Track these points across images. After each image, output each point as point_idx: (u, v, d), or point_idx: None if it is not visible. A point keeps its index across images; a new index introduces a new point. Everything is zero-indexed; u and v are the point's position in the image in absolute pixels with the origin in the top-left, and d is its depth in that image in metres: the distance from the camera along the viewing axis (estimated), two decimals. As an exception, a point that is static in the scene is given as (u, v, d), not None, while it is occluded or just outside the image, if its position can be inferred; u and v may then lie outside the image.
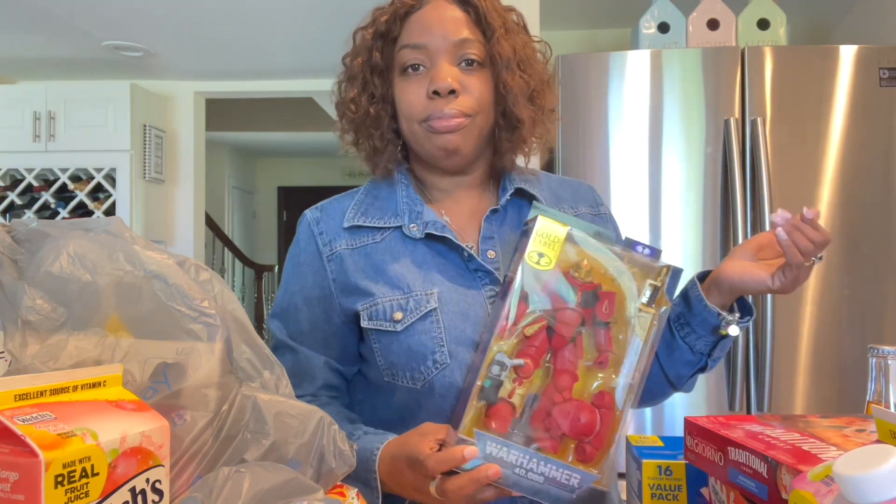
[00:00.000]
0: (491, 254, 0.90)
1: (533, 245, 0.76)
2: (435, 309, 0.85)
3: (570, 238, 0.77)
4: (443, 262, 0.89)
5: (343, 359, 0.94)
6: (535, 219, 0.78)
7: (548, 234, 0.77)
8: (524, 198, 0.94)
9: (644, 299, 0.76)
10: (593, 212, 0.99)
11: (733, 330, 0.87)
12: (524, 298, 0.75)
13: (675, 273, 0.78)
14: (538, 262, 0.76)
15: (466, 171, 0.94)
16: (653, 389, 0.97)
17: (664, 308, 0.76)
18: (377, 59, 0.90)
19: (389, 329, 0.86)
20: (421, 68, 0.88)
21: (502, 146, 0.91)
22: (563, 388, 0.74)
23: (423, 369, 0.84)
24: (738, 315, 0.88)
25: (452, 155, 0.89)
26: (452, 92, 0.85)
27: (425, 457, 0.72)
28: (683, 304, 0.90)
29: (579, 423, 0.73)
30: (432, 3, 0.89)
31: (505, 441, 0.72)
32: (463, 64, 0.87)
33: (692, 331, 0.89)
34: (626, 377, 0.74)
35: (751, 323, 0.92)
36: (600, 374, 0.74)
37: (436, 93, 0.85)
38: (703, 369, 0.93)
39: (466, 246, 0.89)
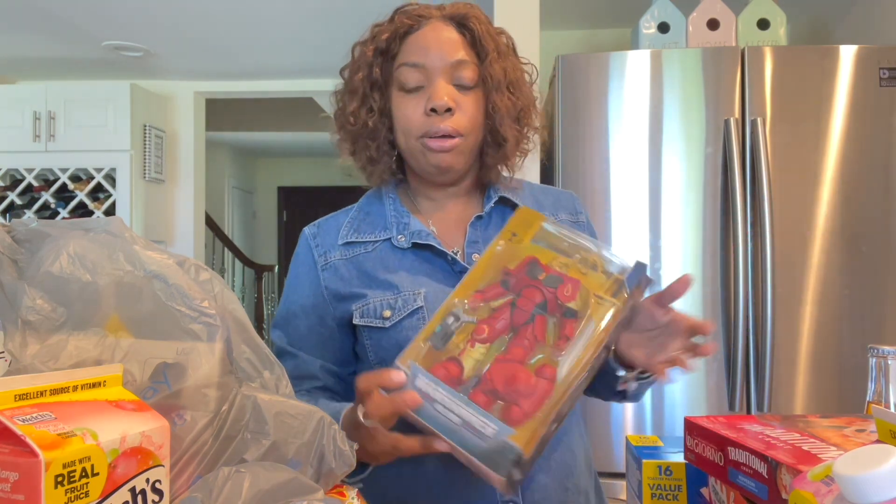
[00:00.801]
0: (476, 257, 0.95)
1: (509, 225, 0.82)
2: (422, 307, 0.91)
3: (544, 225, 0.81)
4: (430, 268, 0.94)
5: (339, 360, 0.98)
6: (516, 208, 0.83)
7: (525, 218, 0.82)
8: (507, 205, 0.99)
9: (607, 289, 0.77)
10: (572, 219, 1.04)
11: (631, 386, 0.88)
12: (494, 268, 0.79)
13: (640, 267, 0.79)
14: (511, 239, 0.81)
15: (455, 183, 0.99)
16: (606, 399, 1.01)
17: (625, 301, 0.77)
18: (376, 75, 0.95)
19: (379, 325, 0.92)
20: (419, 86, 0.92)
21: (488, 161, 0.97)
22: (512, 358, 0.74)
23: None
24: (638, 371, 0.87)
25: (445, 172, 0.95)
26: (449, 110, 0.90)
27: (359, 378, 0.76)
28: None
29: (513, 383, 0.72)
30: (430, 24, 0.94)
31: (436, 379, 0.73)
32: (458, 85, 0.92)
33: (607, 373, 0.89)
34: (572, 356, 0.73)
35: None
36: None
37: (433, 110, 0.90)
38: (631, 398, 0.97)
39: (452, 251, 0.95)
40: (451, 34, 0.93)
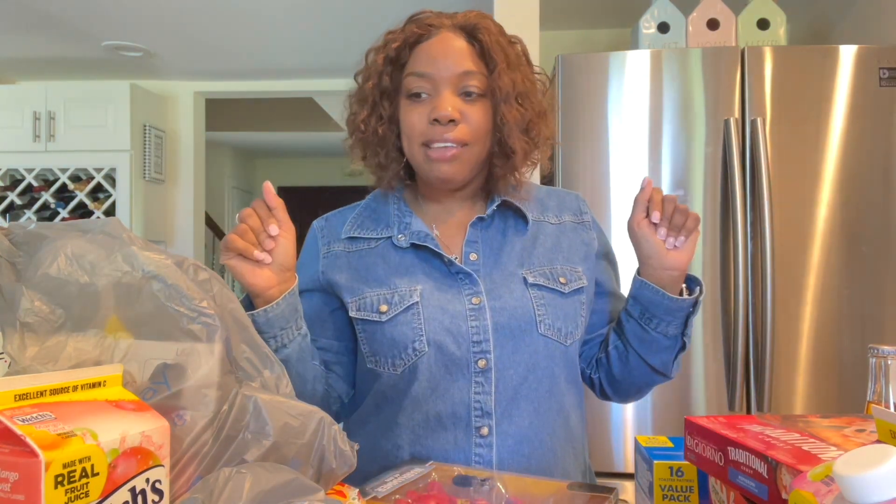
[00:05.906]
0: (473, 256, 0.97)
1: None
2: (417, 303, 0.93)
3: None
4: (427, 267, 0.97)
5: (340, 335, 1.01)
6: None
7: None
8: (510, 209, 1.01)
9: None
10: (576, 220, 1.05)
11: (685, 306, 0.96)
12: None
13: None
14: None
15: (461, 189, 1.01)
16: (638, 382, 1.03)
17: None
18: (386, 83, 0.96)
19: (375, 319, 0.94)
20: (424, 95, 0.94)
21: (496, 172, 0.98)
22: None
23: (403, 357, 0.93)
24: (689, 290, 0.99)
25: (446, 182, 0.97)
26: (452, 121, 0.92)
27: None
28: (639, 304, 0.97)
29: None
30: (440, 35, 0.95)
31: None
32: (464, 94, 0.93)
33: (661, 321, 0.96)
34: None
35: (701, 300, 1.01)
36: None
37: (436, 121, 0.92)
38: (682, 348, 1.00)
39: (452, 255, 0.97)
40: (460, 44, 0.94)
